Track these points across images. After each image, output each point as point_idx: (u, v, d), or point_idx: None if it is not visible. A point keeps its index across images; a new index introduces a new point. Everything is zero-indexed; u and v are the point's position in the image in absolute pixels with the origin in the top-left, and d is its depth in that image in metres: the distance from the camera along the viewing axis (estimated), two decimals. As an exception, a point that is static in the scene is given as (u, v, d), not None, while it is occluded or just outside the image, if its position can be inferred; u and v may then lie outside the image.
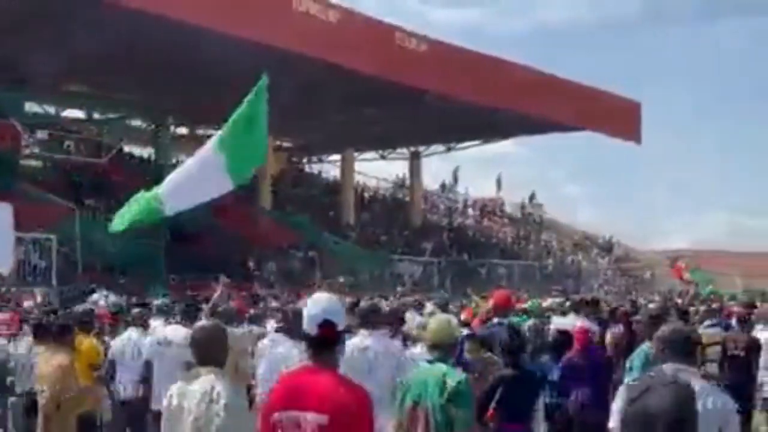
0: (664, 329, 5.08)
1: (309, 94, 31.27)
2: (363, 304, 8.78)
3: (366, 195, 48.21)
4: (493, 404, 6.44)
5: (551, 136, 46.78)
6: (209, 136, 42.58)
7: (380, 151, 47.51)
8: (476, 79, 31.71)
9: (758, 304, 15.68)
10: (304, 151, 47.96)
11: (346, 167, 44.17)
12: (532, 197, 56.32)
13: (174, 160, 37.57)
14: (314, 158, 49.83)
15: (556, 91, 35.66)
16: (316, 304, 4.18)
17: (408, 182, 48.18)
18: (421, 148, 45.69)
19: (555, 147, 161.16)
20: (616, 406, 4.76)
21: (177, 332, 8.84)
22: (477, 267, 40.13)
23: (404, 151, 46.46)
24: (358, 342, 7.12)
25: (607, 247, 54.74)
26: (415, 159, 46.31)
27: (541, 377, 6.81)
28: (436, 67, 30.43)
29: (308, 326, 4.14)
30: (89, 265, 25.19)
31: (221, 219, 30.80)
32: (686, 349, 4.87)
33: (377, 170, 50.70)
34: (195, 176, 7.87)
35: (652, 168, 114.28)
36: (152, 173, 33.67)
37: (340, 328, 4.18)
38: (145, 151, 38.39)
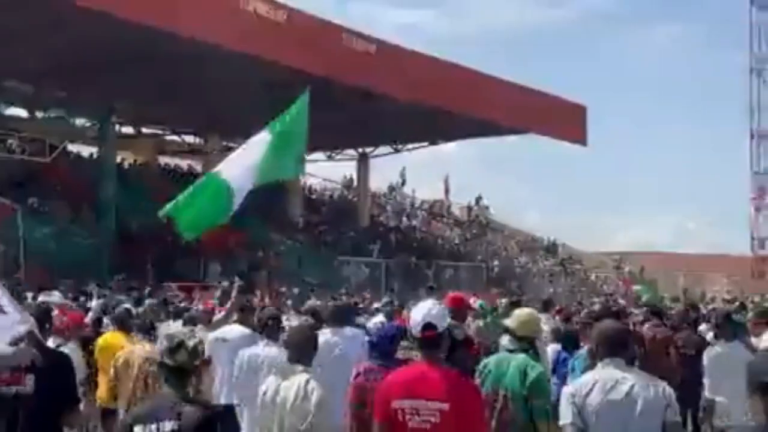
0: (598, 328, 5.32)
1: (255, 93, 31.14)
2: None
3: (313, 196, 48.12)
4: None
5: (498, 139, 47.10)
6: (154, 135, 42.22)
7: (328, 152, 47.46)
8: (424, 81, 31.79)
9: (701, 306, 16.04)
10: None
11: (294, 168, 43.99)
12: (478, 199, 56.63)
13: (119, 159, 37.21)
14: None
15: (502, 93, 35.93)
16: (420, 310, 4.89)
17: (356, 183, 48.18)
18: (369, 150, 45.72)
19: (502, 149, 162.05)
20: (564, 406, 5.00)
21: (233, 331, 8.92)
22: (424, 268, 40.24)
23: (352, 152, 46.47)
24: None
25: (552, 249, 55.24)
26: (362, 160, 46.33)
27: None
28: (383, 69, 30.49)
29: (414, 330, 4.85)
30: (31, 264, 24.84)
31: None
32: (621, 345, 5.10)
33: (325, 171, 50.69)
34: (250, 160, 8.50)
35: (598, 171, 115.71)
36: (96, 172, 33.33)
37: (440, 330, 4.82)
38: (90, 150, 37.91)
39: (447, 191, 55.91)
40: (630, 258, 57.90)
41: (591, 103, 53.89)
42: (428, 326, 4.78)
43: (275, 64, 26.96)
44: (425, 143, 45.69)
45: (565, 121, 39.96)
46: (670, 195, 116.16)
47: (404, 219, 51.09)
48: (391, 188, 53.61)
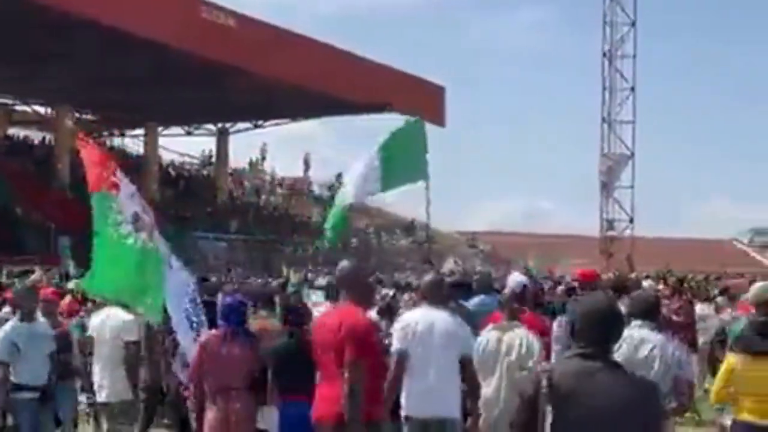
0: (632, 296, 6.95)
1: (110, 64, 30.32)
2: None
3: (171, 171, 47.18)
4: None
5: (357, 117, 47.21)
6: (2, 105, 40.05)
7: (186, 127, 46.60)
8: (284, 57, 31.58)
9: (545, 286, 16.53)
10: (106, 124, 46.43)
11: (150, 142, 43.12)
12: (339, 177, 56.73)
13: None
14: (116, 132, 48.24)
15: (362, 72, 36.09)
16: (517, 278, 8.29)
17: (214, 159, 47.53)
18: (228, 125, 45.17)
19: (361, 128, 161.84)
20: None
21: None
22: (283, 245, 40.15)
23: (211, 127, 45.81)
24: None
25: (411, 228, 55.92)
26: (221, 135, 45.75)
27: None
28: (243, 43, 30.11)
29: (516, 287, 7.48)
30: None
31: (18, 196, 29.49)
32: (651, 310, 6.24)
33: (183, 146, 49.78)
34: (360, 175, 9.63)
35: (456, 151, 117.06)
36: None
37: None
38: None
39: (307, 168, 55.87)
40: (483, 238, 59.26)
41: (450, 84, 54.73)
42: (525, 287, 7.73)
43: (129, 35, 26.27)
44: (286, 120, 45.44)
45: (423, 100, 40.33)
46: (525, 177, 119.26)
47: (263, 196, 50.75)
48: (251, 164, 53.16)
